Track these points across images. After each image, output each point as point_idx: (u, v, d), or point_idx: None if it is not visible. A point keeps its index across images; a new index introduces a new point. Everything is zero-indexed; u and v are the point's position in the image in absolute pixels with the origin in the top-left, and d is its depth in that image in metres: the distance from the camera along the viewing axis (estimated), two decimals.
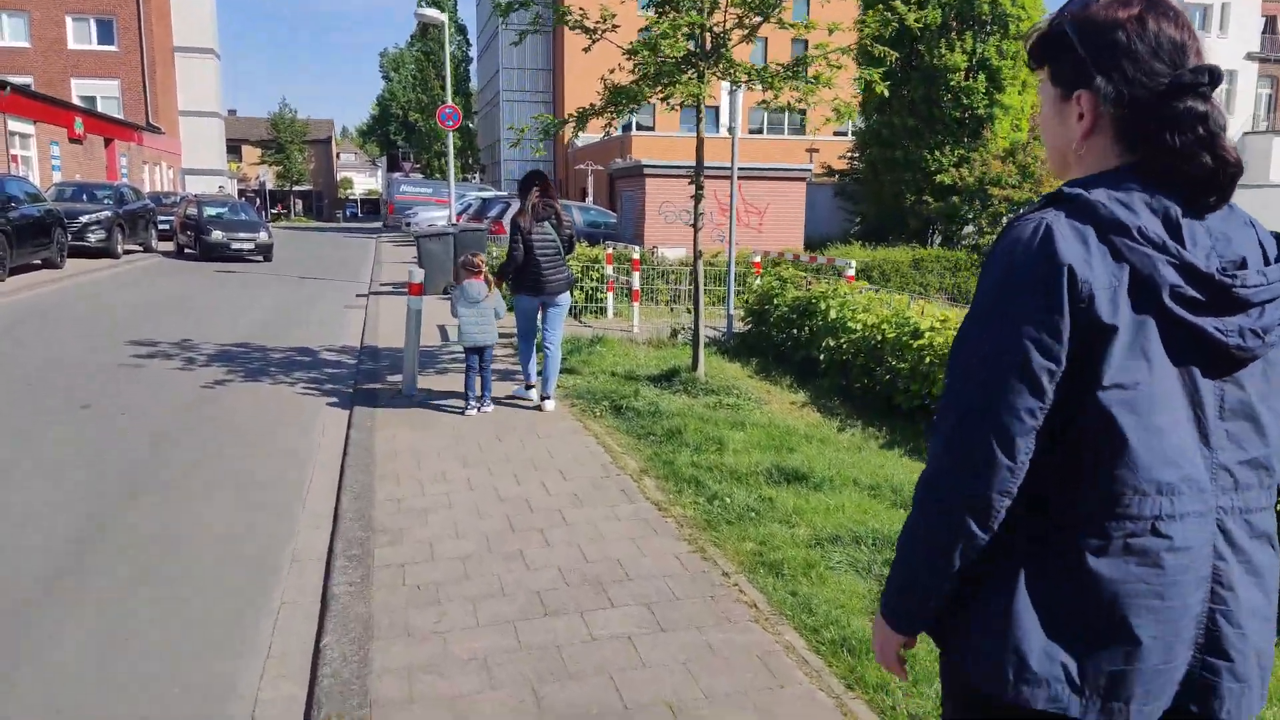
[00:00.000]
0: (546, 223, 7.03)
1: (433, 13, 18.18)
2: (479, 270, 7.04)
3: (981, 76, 16.82)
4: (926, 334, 6.90)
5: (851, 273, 9.70)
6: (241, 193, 51.58)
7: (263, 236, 21.86)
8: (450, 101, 18.15)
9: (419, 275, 7.69)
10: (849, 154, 20.81)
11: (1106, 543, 1.27)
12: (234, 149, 67.53)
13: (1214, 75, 1.30)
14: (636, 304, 11.84)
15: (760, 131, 46.66)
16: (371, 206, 78.63)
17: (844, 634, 3.40)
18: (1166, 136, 1.29)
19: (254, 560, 4.47)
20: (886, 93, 7.91)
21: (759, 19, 7.41)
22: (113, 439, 6.42)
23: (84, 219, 20.30)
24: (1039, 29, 1.43)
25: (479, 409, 7.09)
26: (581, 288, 13.03)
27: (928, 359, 6.78)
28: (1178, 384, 1.29)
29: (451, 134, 17.95)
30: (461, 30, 59.23)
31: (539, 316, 7.19)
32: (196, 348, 10.05)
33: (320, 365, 9.41)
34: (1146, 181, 1.30)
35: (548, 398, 7.24)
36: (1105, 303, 1.24)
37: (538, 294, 7.06)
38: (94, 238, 20.39)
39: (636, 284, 11.82)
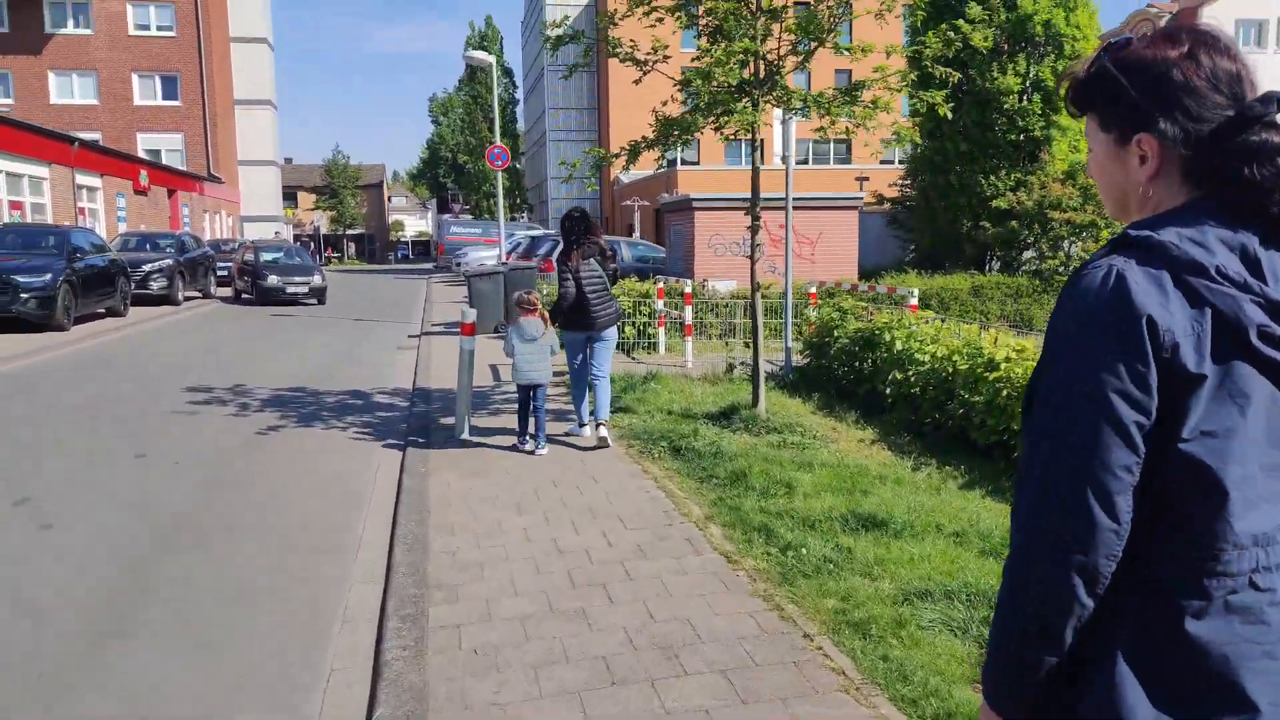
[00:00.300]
0: (593, 259, 7.07)
1: (480, 55, 18.35)
2: (535, 307, 7.01)
3: (1036, 98, 16.36)
4: (1003, 365, 6.52)
5: (914, 302, 9.33)
6: (297, 237, 52.74)
7: (316, 280, 22.13)
8: (499, 142, 18.23)
9: (471, 315, 7.53)
10: (900, 181, 20.43)
11: (1207, 602, 1.21)
12: (290, 195, 69.33)
13: None
14: (689, 338, 11.58)
15: (805, 162, 46.41)
16: (422, 248, 79.96)
17: (947, 708, 3.05)
18: (1245, 171, 1.23)
19: (303, 618, 4.26)
20: (950, 114, 7.61)
21: (813, 44, 7.19)
22: (165, 487, 6.31)
23: (146, 268, 20.77)
24: (1074, 74, 1.39)
25: (535, 449, 6.99)
26: (633, 323, 12.84)
27: (1005, 392, 6.39)
28: (1271, 429, 1.22)
29: (500, 174, 18.00)
30: (508, 73, 60.25)
31: (587, 351, 7.20)
32: (250, 393, 10.02)
33: (372, 409, 9.29)
34: (1219, 216, 1.24)
35: (601, 424, 7.16)
36: (1190, 350, 1.19)
37: (585, 329, 7.09)
38: (156, 286, 20.84)
39: (689, 318, 11.57)
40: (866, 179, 25.50)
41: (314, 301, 22.07)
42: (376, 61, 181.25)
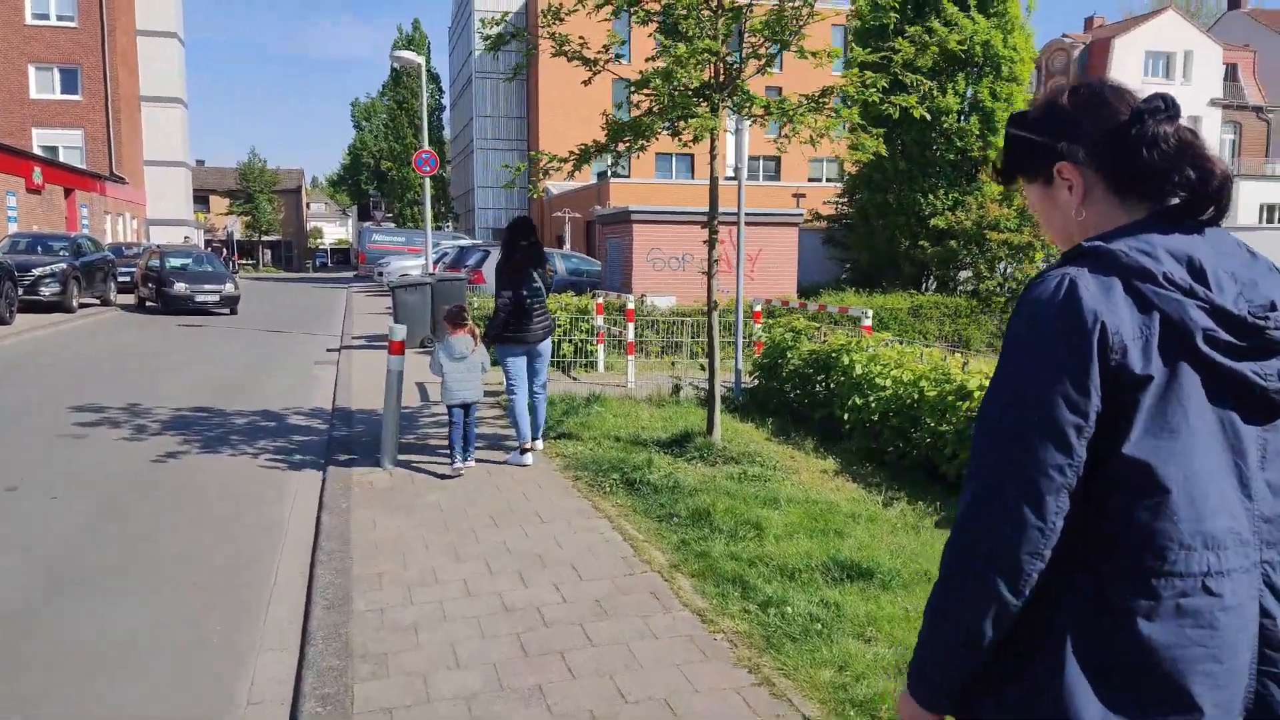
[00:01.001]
0: (534, 271, 6.88)
1: (408, 55, 17.53)
2: (465, 323, 6.67)
3: (974, 119, 16.37)
4: (976, 394, 6.13)
5: (868, 322, 8.96)
6: (208, 243, 50.47)
7: (229, 288, 20.85)
8: (426, 147, 17.43)
9: (400, 332, 6.82)
10: (836, 199, 20.31)
11: (1156, 603, 1.23)
12: (202, 199, 66.50)
13: (1168, 102, 1.34)
14: (631, 357, 11.02)
15: (733, 178, 46.54)
16: (342, 256, 77.66)
17: None
18: (1144, 154, 1.32)
19: (200, 696, 3.53)
20: (884, 152, 7.27)
21: (775, 48, 6.73)
22: (39, 527, 5.44)
23: (36, 272, 19.23)
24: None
25: (464, 465, 6.60)
26: (570, 339, 12.23)
27: None
28: (1218, 432, 1.27)
29: (427, 180, 17.20)
30: (434, 79, 59.06)
31: (528, 368, 7.06)
32: (148, 413, 9.07)
33: (288, 432, 8.46)
34: (1162, 229, 1.32)
35: (538, 439, 7.13)
36: (1137, 353, 1.24)
37: (525, 344, 6.91)
38: (47, 291, 19.30)
39: (631, 335, 11.01)
40: (803, 195, 25.40)
41: (225, 311, 20.80)
42: (296, 63, 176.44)
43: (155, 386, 10.73)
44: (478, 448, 6.97)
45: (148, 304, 21.60)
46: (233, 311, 20.80)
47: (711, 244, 6.98)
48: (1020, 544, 1.23)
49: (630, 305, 10.97)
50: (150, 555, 5.08)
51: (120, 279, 24.56)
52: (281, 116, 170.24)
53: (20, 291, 18.76)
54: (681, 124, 6.61)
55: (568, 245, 32.75)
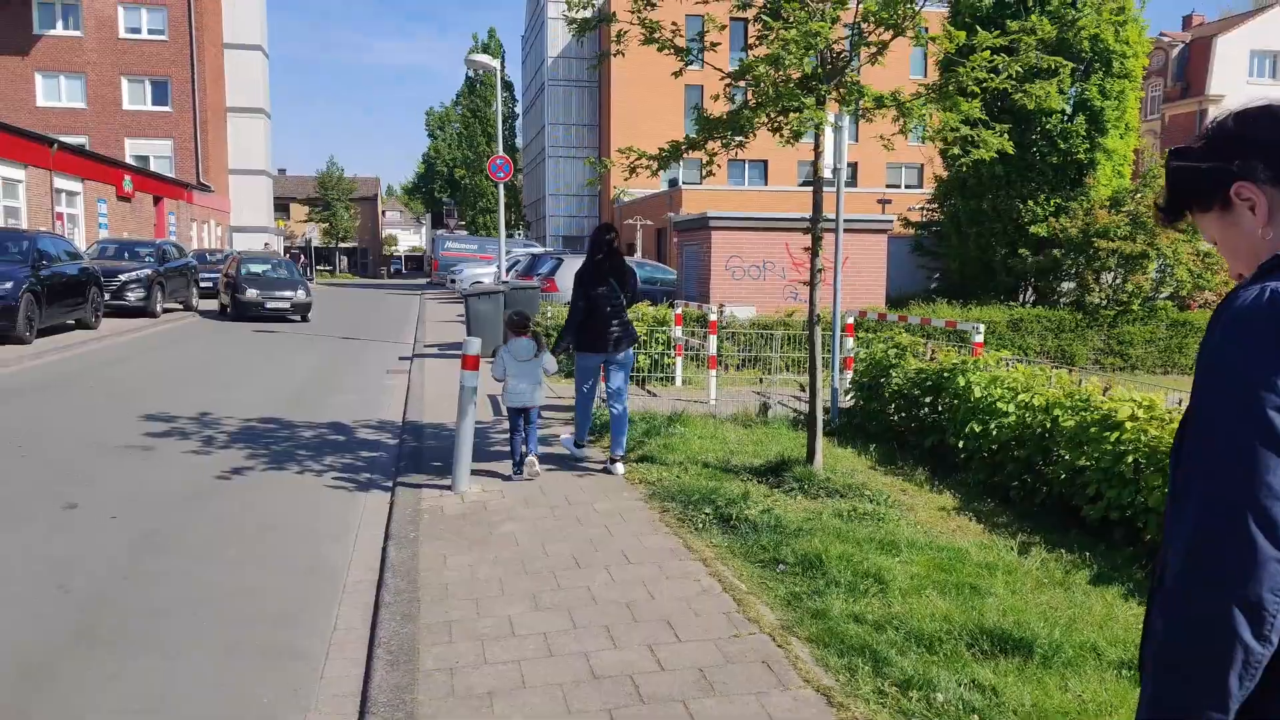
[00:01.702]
0: (612, 278, 6.87)
1: (484, 59, 17.23)
2: (528, 328, 6.75)
3: (1081, 118, 15.28)
4: (1129, 425, 5.32)
5: (980, 338, 8.15)
6: (288, 249, 51.46)
7: (300, 295, 20.78)
8: (501, 153, 17.10)
9: (474, 346, 6.31)
10: (925, 205, 19.32)
11: None
12: (282, 207, 68.10)
13: None
14: (714, 372, 10.38)
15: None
16: (415, 263, 78.67)
17: None
18: None
19: None
20: (1010, 148, 6.43)
21: (889, 34, 6.04)
22: (91, 553, 5.05)
23: (123, 277, 19.51)
24: (1154, 203, 1.55)
25: (525, 473, 6.62)
26: (646, 352, 11.65)
27: (1131, 458, 5.20)
28: None
29: (502, 186, 16.86)
30: (508, 87, 59.38)
31: (601, 376, 7.04)
32: (218, 423, 8.77)
33: (356, 446, 8.05)
34: None
35: (616, 460, 6.88)
36: None
37: (601, 351, 6.89)
38: (133, 296, 19.58)
39: (713, 348, 10.37)
40: (889, 201, 24.41)
41: (297, 318, 20.76)
42: (373, 74, 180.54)
43: (227, 394, 10.49)
44: (548, 467, 6.43)
45: (227, 310, 21.79)
46: (304, 319, 20.74)
47: (815, 251, 6.32)
48: (1261, 579, 1.13)
49: (712, 316, 10.34)
50: (199, 594, 4.63)
51: (202, 284, 24.93)
52: (359, 126, 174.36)
53: (106, 297, 19.10)
54: (781, 119, 5.97)
55: (639, 253, 32.25)
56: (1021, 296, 16.93)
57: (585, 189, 49.18)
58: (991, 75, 5.79)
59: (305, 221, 67.90)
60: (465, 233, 51.36)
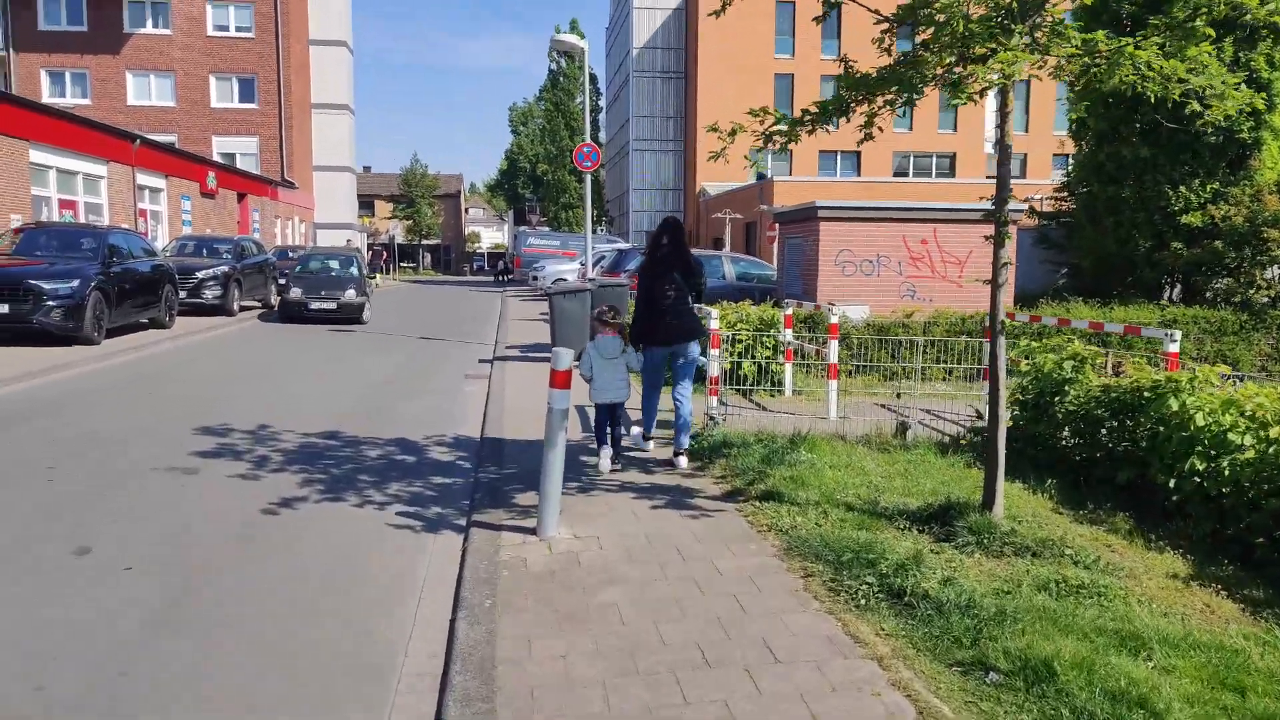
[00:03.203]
0: (675, 271, 6.81)
1: (570, 38, 16.15)
2: (616, 323, 6.69)
3: (1247, 92, 13.24)
4: None
5: (1175, 347, 6.61)
6: (370, 246, 51.59)
7: (350, 295, 18.79)
8: (588, 140, 15.98)
9: (564, 359, 5.11)
10: (1055, 194, 17.44)
11: None
12: (366, 203, 68.77)
13: None
14: (835, 382, 9.00)
15: (905, 174, 43.35)
16: (497, 260, 78.61)
17: None
18: None
19: None
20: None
21: None
22: (85, 626, 4.02)
23: (200, 275, 19.09)
24: None
25: (613, 468, 6.66)
26: (753, 357, 10.33)
27: None
28: None
29: (589, 176, 15.74)
30: (592, 79, 58.51)
31: (668, 367, 7.03)
32: (275, 439, 7.81)
33: (426, 470, 6.96)
34: None
35: (680, 453, 6.85)
36: None
37: (667, 344, 6.87)
38: (210, 295, 19.13)
39: (834, 356, 9.00)
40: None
41: (349, 321, 18.80)
42: (457, 72, 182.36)
43: (291, 402, 9.57)
44: (643, 490, 5.20)
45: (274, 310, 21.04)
46: (355, 321, 18.86)
47: (999, 239, 4.93)
48: None
49: (833, 318, 8.96)
50: (213, 687, 3.53)
51: (281, 282, 24.56)
52: (443, 124, 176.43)
53: (183, 294, 18.68)
54: (961, 70, 4.60)
55: (727, 247, 30.86)
56: (1168, 294, 15.00)
57: (670, 182, 47.94)
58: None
59: (389, 219, 68.38)
60: (547, 229, 50.69)
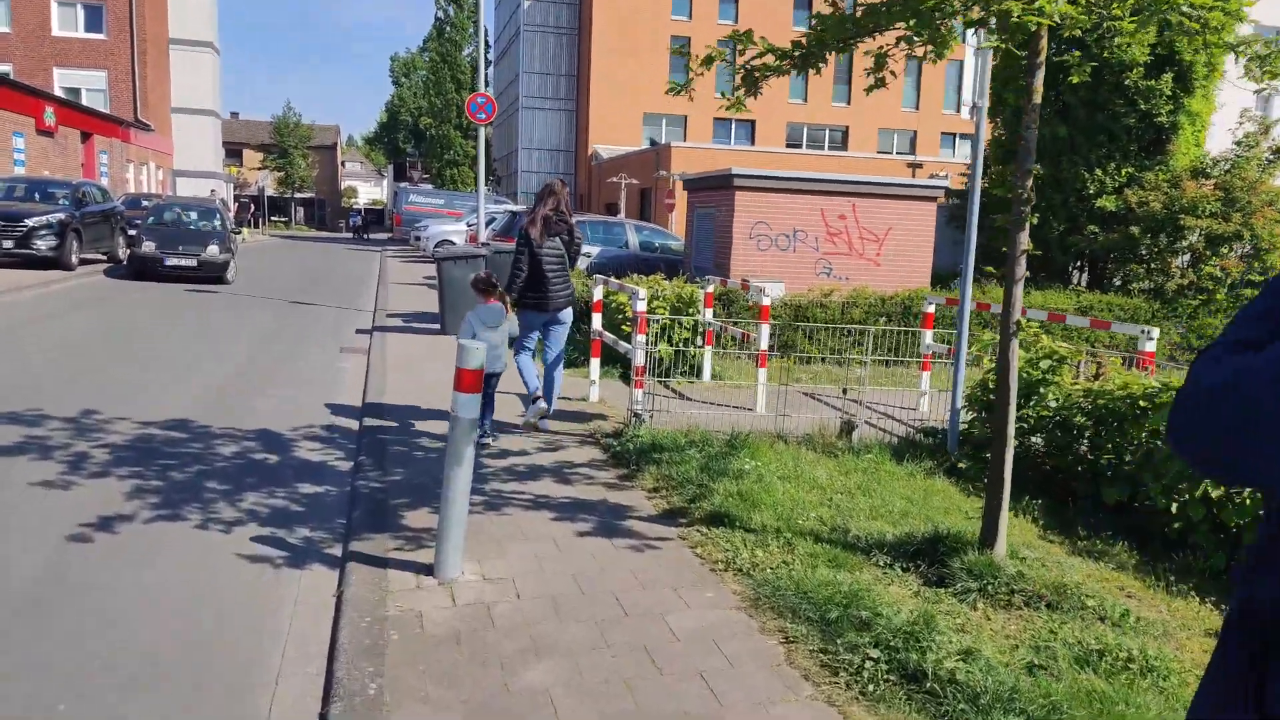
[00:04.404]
0: (558, 237, 6.76)
1: None
2: (495, 290, 6.41)
3: (1168, 75, 13.07)
4: None
5: (1153, 346, 5.99)
6: (237, 198, 47.92)
7: (211, 251, 16.86)
8: (482, 90, 14.55)
9: (474, 357, 3.97)
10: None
11: None
12: (235, 153, 64.14)
13: None
14: (764, 370, 8.12)
15: (799, 145, 43.12)
16: (375, 217, 74.87)
17: None
18: None
19: None
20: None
21: None
22: None
23: (30, 222, 16.67)
24: None
25: (490, 440, 6.39)
26: (669, 339, 9.36)
27: None
28: None
29: (482, 132, 14.33)
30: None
31: (542, 334, 6.97)
32: (101, 431, 6.35)
33: (293, 475, 5.69)
34: None
35: (548, 416, 6.88)
36: None
37: (544, 310, 6.78)
38: (43, 245, 16.75)
39: (765, 342, 8.10)
40: (920, 165, 22.12)
41: (210, 279, 16.92)
42: (335, 18, 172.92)
43: (130, 383, 8.02)
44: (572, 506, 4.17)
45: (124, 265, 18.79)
46: (219, 280, 17.04)
47: (1020, 221, 4.07)
48: None
49: (766, 300, 8.04)
50: None
51: (131, 234, 22.04)
52: (318, 73, 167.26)
53: (8, 244, 16.30)
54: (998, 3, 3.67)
55: (623, 213, 29.77)
56: (1079, 279, 14.84)
57: (561, 144, 46.31)
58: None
59: (259, 169, 63.99)
60: (429, 186, 48.24)
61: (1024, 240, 4.16)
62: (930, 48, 3.76)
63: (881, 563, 4.31)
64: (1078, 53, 5.57)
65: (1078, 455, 5.59)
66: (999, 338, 4.29)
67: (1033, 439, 5.92)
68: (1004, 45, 3.71)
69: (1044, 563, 4.28)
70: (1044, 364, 5.93)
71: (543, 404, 6.75)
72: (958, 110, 44.19)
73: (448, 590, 3.95)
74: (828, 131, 44.12)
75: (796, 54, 3.76)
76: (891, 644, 3.38)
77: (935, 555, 4.28)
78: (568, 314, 6.92)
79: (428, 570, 4.12)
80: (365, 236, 46.42)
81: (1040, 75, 4.01)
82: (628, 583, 4.10)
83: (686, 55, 3.97)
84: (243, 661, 3.43)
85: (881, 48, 3.74)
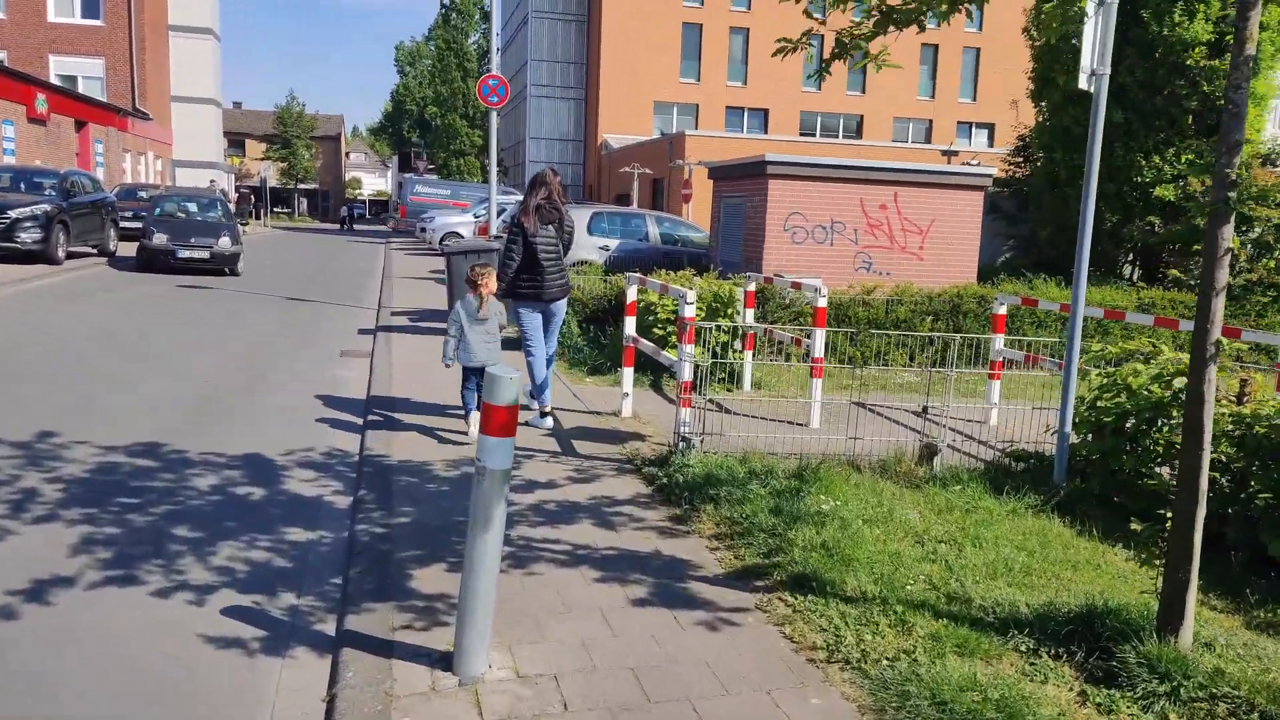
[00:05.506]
0: (550, 225, 6.61)
1: None
2: (486, 283, 6.18)
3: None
4: None
5: None
6: (239, 189, 47.01)
7: (223, 243, 16.74)
8: (494, 72, 13.57)
9: (506, 393, 3.02)
10: (1010, 159, 16.03)
11: None
12: (237, 143, 63.27)
13: None
14: (819, 381, 7.16)
15: (813, 134, 42.02)
16: (380, 208, 73.86)
17: None
18: None
19: None
20: None
21: None
22: None
23: (13, 214, 15.76)
24: None
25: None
26: (705, 344, 8.40)
27: None
28: None
29: (494, 117, 13.36)
30: (486, 18, 54.81)
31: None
32: (57, 458, 5.43)
33: (279, 516, 4.76)
34: None
35: (547, 412, 6.67)
36: None
37: (540, 300, 6.63)
38: (28, 238, 15.86)
39: (819, 349, 7.14)
40: (955, 153, 21.10)
41: (222, 271, 16.85)
42: (337, 3, 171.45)
43: (104, 392, 7.11)
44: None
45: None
46: (230, 272, 16.91)
47: (1223, 215, 3.13)
48: None
49: (820, 301, 7.08)
50: None
51: (125, 225, 21.12)
52: (323, 62, 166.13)
53: None
54: None
55: (634, 204, 28.79)
56: (1128, 273, 13.86)
57: (570, 133, 45.25)
58: None
59: (261, 159, 63.01)
60: (435, 176, 47.23)
61: (1228, 236, 3.21)
62: None
63: (1024, 647, 3.37)
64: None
65: (1222, 493, 4.63)
66: (1190, 362, 3.32)
67: (1160, 469, 4.96)
68: None
69: (1233, 650, 3.33)
70: (1177, 382, 4.97)
71: (549, 421, 6.64)
72: (974, 98, 43.05)
73: (472, 696, 3.02)
74: (842, 120, 43.01)
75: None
76: None
77: (1093, 638, 3.34)
78: (562, 305, 6.86)
79: (445, 662, 3.20)
80: (352, 228, 48.10)
81: (1257, 12, 3.05)
82: (704, 681, 3.16)
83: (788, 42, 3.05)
84: None
85: None
